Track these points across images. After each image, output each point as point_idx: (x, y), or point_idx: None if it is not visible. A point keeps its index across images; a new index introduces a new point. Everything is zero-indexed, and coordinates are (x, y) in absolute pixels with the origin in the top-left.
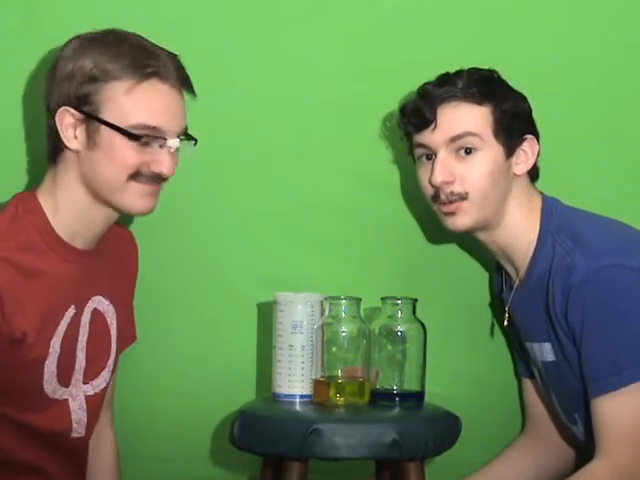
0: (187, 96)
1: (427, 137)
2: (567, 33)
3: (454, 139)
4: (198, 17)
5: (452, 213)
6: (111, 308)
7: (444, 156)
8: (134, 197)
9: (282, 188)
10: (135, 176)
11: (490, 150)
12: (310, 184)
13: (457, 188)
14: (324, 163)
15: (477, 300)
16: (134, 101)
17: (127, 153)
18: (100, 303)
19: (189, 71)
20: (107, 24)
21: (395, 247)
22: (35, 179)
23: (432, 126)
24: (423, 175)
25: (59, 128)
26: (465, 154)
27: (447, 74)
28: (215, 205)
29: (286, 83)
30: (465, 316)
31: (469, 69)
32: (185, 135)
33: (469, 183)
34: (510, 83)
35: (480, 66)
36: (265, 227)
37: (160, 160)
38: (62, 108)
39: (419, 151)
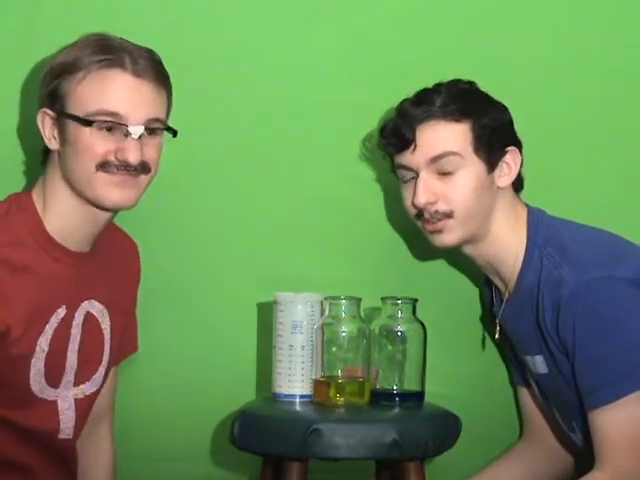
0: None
1: (408, 158)
2: (564, 37)
3: (435, 159)
4: (198, 18)
5: (438, 231)
6: (105, 313)
7: (425, 176)
8: (105, 188)
9: (282, 188)
10: (104, 166)
11: (471, 167)
12: (310, 184)
13: (441, 207)
14: (324, 163)
15: (477, 300)
16: (91, 89)
17: (92, 142)
18: (94, 307)
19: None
20: (107, 24)
21: (395, 247)
22: (32, 180)
23: (412, 147)
24: (406, 195)
25: (40, 130)
26: (447, 173)
27: (425, 90)
28: (215, 205)
29: (286, 84)
30: (465, 316)
31: (447, 83)
32: (156, 127)
33: (453, 202)
34: (493, 92)
35: (469, 72)
36: (265, 227)
37: (125, 147)
38: (41, 110)
39: (401, 172)
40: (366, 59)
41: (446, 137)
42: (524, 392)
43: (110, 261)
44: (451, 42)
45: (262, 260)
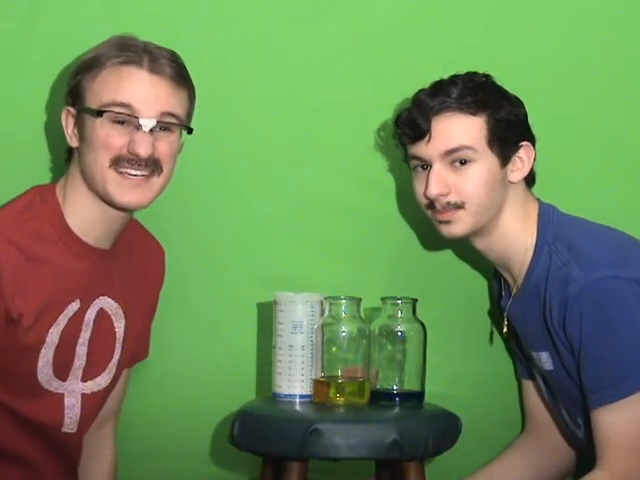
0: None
1: (422, 149)
2: (567, 37)
3: (449, 152)
4: (199, 17)
5: (447, 221)
6: (120, 312)
7: (439, 168)
8: (117, 188)
9: (282, 188)
10: (117, 162)
11: (485, 161)
12: (310, 184)
13: (453, 198)
14: (325, 163)
15: (477, 300)
16: (106, 83)
17: (104, 135)
18: (107, 304)
19: (189, 69)
20: (107, 24)
21: (395, 247)
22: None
23: (427, 138)
24: (419, 185)
25: (64, 128)
26: (460, 165)
27: (441, 82)
28: (215, 205)
29: (287, 84)
30: (465, 316)
31: (464, 76)
32: (170, 121)
33: (464, 194)
34: (506, 87)
35: (479, 67)
36: (265, 227)
37: (136, 140)
38: (64, 108)
39: (414, 162)
40: (367, 59)
41: (461, 130)
42: (529, 385)
43: (132, 262)
44: (453, 43)
45: (262, 260)
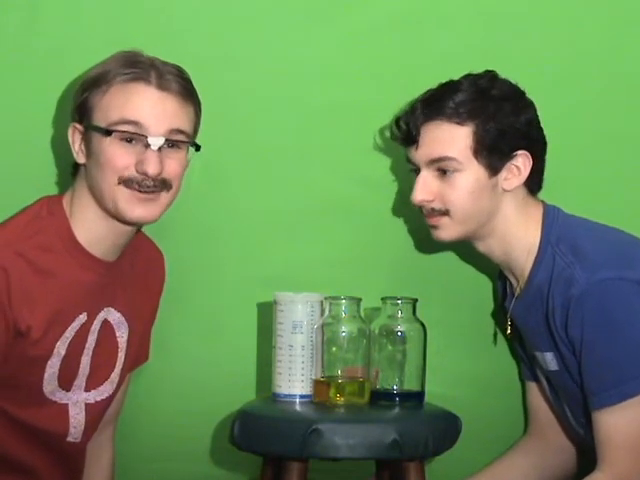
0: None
1: (413, 153)
2: (568, 38)
3: (433, 161)
4: (199, 18)
5: (435, 226)
6: (123, 322)
7: (425, 174)
8: (127, 203)
9: (282, 188)
10: (126, 180)
11: (470, 171)
12: (311, 184)
13: (437, 205)
14: (325, 163)
15: (477, 300)
16: (114, 100)
17: (112, 154)
18: (111, 315)
19: (192, 76)
20: (107, 25)
21: (396, 247)
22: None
23: (415, 145)
24: (413, 188)
25: (70, 143)
26: (446, 173)
27: (446, 85)
28: (215, 205)
29: (287, 84)
30: (465, 316)
31: (470, 79)
32: (178, 139)
33: (449, 202)
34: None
35: (480, 68)
36: (265, 227)
37: (144, 159)
38: (71, 124)
39: (410, 165)
40: (368, 60)
41: (446, 141)
42: (532, 387)
43: (134, 270)
44: (453, 43)
45: (262, 260)
